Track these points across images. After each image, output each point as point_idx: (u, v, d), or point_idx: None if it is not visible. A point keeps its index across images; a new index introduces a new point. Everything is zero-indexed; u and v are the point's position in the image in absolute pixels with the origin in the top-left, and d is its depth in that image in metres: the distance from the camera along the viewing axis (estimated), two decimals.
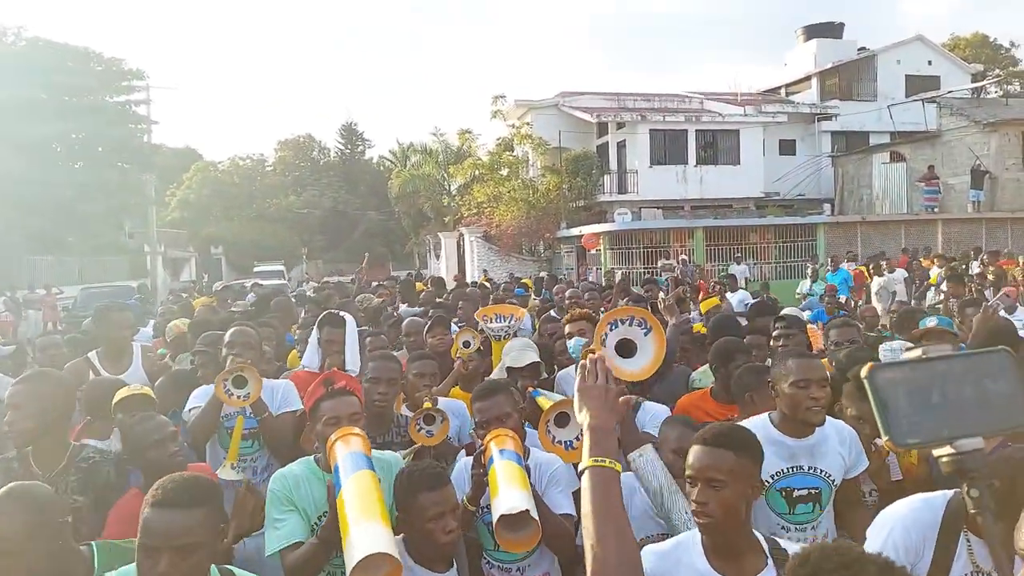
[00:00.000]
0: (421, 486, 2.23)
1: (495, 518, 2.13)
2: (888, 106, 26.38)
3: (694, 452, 2.00)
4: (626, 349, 2.72)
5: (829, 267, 14.74)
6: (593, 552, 1.31)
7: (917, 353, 1.13)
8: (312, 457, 2.57)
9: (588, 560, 1.33)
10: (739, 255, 19.82)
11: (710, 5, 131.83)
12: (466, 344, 4.06)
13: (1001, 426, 1.15)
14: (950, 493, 1.84)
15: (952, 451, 1.08)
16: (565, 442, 2.67)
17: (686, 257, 19.19)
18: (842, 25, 31.12)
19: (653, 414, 3.20)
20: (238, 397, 3.20)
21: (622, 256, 21.48)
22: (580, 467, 1.50)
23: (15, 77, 21.93)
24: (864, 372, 1.12)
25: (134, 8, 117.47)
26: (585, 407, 1.59)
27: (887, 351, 3.89)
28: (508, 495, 2.18)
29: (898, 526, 1.85)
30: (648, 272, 20.18)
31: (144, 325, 8.05)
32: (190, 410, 3.45)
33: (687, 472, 1.99)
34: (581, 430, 2.82)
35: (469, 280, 13.07)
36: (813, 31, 30.32)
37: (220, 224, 42.65)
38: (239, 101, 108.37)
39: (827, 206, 26.22)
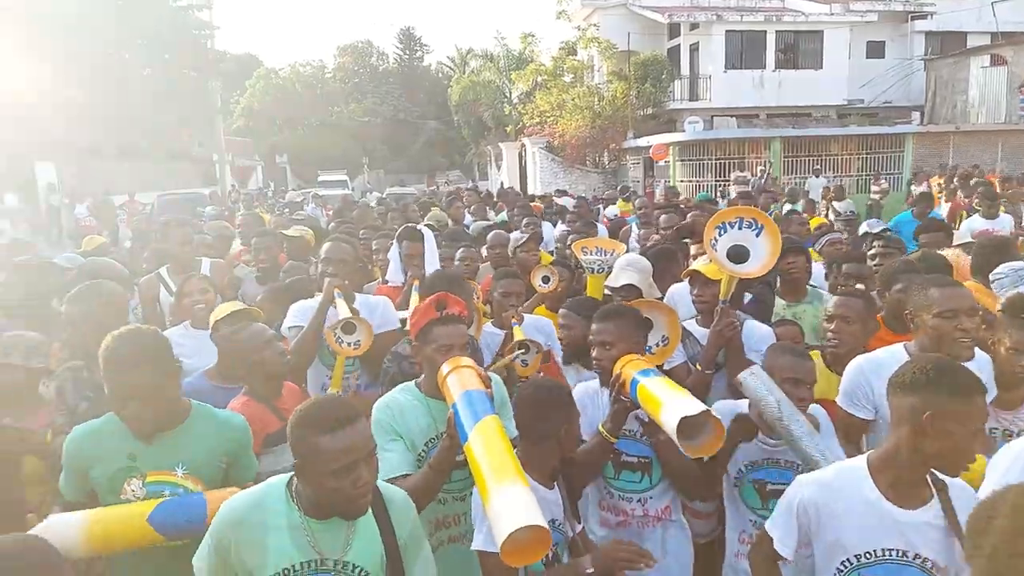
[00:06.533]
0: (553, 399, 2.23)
1: (674, 425, 2.02)
2: (992, 3, 23.98)
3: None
4: (738, 254, 2.56)
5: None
6: None
7: None
8: (413, 383, 2.49)
9: None
10: (818, 167, 18.83)
11: None
12: (545, 280, 3.90)
13: None
14: None
15: None
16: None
17: (763, 168, 18.31)
18: None
19: (759, 336, 3.02)
20: (348, 345, 3.14)
21: (693, 168, 20.69)
22: None
23: None
24: None
25: None
26: None
27: (1003, 275, 3.53)
28: (680, 402, 2.09)
29: None
30: (720, 184, 19.44)
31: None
32: (290, 328, 3.41)
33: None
34: (663, 336, 2.74)
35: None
36: None
37: (284, 133, 42.90)
38: (296, 3, 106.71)
39: (916, 114, 24.45)
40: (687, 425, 2.02)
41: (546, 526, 1.69)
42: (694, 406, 2.04)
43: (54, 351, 3.34)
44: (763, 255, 2.45)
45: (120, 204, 17.81)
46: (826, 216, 10.15)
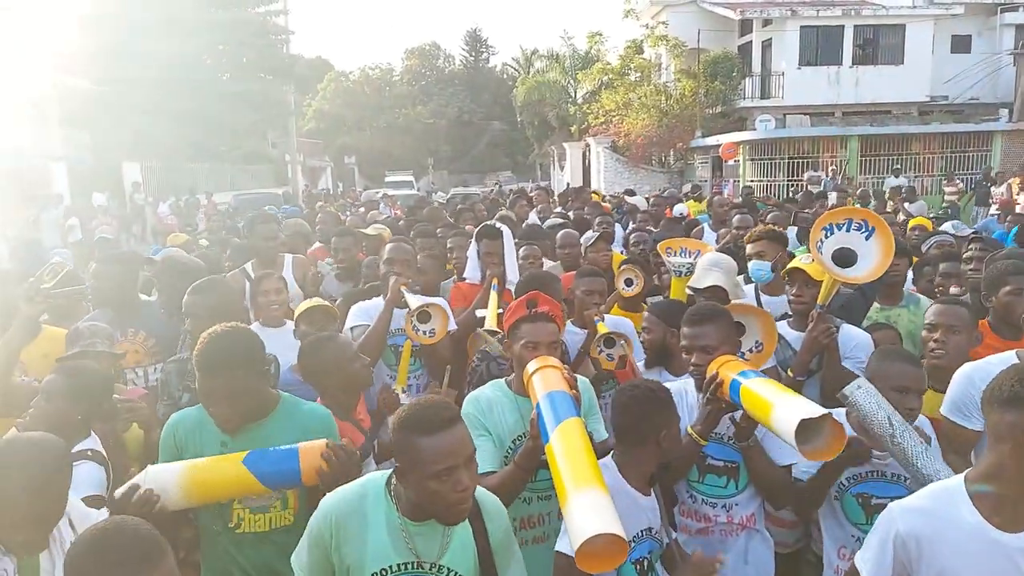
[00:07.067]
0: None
1: (793, 428, 1.91)
2: None
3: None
4: (844, 257, 2.43)
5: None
6: None
7: None
8: (504, 380, 2.50)
9: None
10: (898, 167, 18.06)
11: None
12: (628, 283, 3.85)
13: None
14: None
15: None
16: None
17: (836, 168, 17.68)
18: None
19: (857, 342, 2.89)
20: (424, 333, 3.17)
21: (763, 168, 20.16)
22: None
23: None
24: None
25: None
26: None
27: None
28: (796, 404, 1.98)
29: None
30: (792, 185, 18.86)
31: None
32: (352, 328, 3.43)
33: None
34: (756, 341, 2.64)
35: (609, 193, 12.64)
36: None
37: (353, 134, 43.90)
38: (366, 8, 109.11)
39: (1004, 112, 23.18)
40: (801, 429, 1.92)
41: (622, 534, 1.64)
42: (812, 408, 1.94)
43: (139, 340, 3.49)
44: (873, 259, 2.30)
45: (202, 203, 18.53)
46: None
